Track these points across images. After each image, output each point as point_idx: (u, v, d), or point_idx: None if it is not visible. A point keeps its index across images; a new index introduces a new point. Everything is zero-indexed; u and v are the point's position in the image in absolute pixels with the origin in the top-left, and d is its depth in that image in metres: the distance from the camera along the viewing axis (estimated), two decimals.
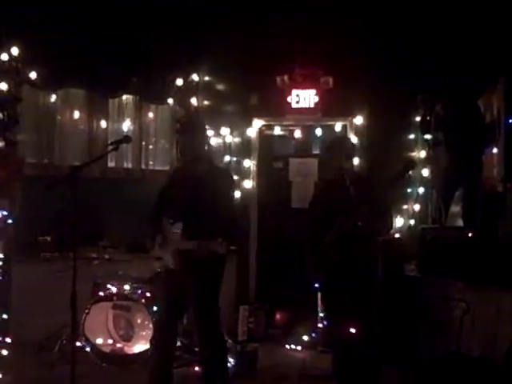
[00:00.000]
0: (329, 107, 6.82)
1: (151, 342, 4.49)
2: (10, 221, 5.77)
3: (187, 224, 4.19)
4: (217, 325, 4.38)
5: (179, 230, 4.21)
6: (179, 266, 4.23)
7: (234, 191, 4.59)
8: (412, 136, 6.66)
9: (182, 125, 4.54)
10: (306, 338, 6.22)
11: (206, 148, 4.73)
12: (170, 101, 7.01)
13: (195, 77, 7.00)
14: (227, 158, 7.00)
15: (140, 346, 5.36)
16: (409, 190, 6.55)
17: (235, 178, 6.84)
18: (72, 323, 3.75)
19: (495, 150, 6.04)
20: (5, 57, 6.28)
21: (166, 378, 4.34)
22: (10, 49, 6.29)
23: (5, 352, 5.02)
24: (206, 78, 7.05)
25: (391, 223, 5.02)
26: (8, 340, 5.20)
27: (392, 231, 5.39)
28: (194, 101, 7.00)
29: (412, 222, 6.49)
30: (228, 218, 4.20)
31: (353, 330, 4.50)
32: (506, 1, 5.90)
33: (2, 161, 5.47)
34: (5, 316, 5.44)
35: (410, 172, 5.73)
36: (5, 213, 5.53)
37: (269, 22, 6.65)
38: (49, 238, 6.47)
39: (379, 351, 4.67)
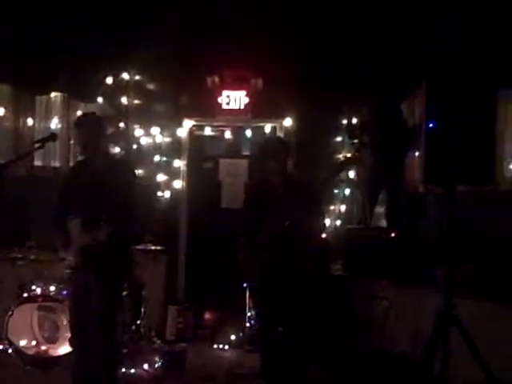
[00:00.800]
0: (259, 109, 6.89)
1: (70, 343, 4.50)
2: None
3: (85, 219, 4.10)
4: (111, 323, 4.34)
5: (78, 226, 4.13)
6: (80, 263, 4.17)
7: (132, 183, 4.44)
8: (339, 138, 6.82)
9: (78, 119, 4.55)
10: (233, 337, 6.27)
11: (104, 143, 4.63)
12: (100, 99, 6.92)
13: (125, 75, 6.93)
14: (157, 158, 6.95)
15: (65, 348, 5.26)
16: (335, 191, 6.71)
17: (165, 177, 6.88)
18: None
19: (417, 153, 6.24)
20: None
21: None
22: None
23: None
24: (137, 77, 6.99)
25: (322, 224, 5.14)
26: None
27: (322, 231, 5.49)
28: (124, 99, 6.94)
29: (338, 222, 6.65)
30: (123, 209, 4.11)
31: (280, 329, 4.58)
32: (426, 4, 6.08)
33: None
34: None
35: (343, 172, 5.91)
36: None
37: (201, 22, 6.66)
38: None
39: (306, 350, 4.77)
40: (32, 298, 5.44)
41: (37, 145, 4.11)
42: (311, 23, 6.61)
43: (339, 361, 5.13)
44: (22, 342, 5.36)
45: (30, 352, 5.38)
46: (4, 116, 6.86)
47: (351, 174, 6.69)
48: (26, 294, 5.45)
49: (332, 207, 6.65)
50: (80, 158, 4.55)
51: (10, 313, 5.31)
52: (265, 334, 4.84)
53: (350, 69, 6.46)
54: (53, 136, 4.26)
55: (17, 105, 6.95)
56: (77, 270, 4.21)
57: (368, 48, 6.40)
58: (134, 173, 4.65)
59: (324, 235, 6.30)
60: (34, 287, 5.48)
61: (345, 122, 6.77)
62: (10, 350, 5.31)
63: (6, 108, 6.86)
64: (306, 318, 4.75)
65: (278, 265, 4.60)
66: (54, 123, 7.02)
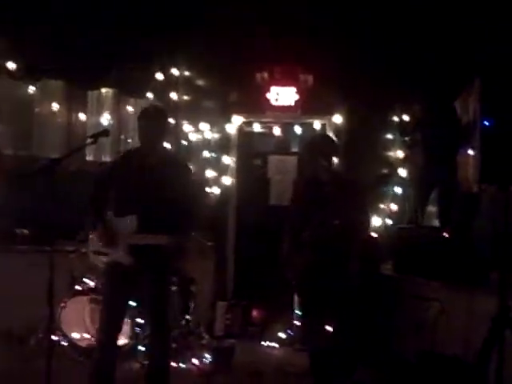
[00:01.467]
0: (308, 105, 6.87)
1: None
2: None
3: (142, 216, 3.96)
4: (168, 323, 4.32)
5: (133, 224, 3.99)
6: (134, 261, 4.02)
7: (191, 182, 4.39)
8: (390, 136, 6.73)
9: (146, 110, 4.33)
10: (282, 335, 6.27)
11: (164, 140, 4.43)
12: (150, 95, 6.96)
13: (175, 71, 6.97)
14: (206, 154, 6.98)
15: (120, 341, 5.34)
16: (386, 190, 6.62)
17: (214, 173, 6.90)
18: (49, 318, 3.76)
19: (471, 152, 6.12)
20: None
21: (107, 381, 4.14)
22: None
23: None
24: (186, 73, 7.02)
25: (369, 223, 5.07)
26: None
27: (369, 231, 5.42)
28: (173, 95, 6.97)
29: (389, 221, 6.56)
30: (186, 211, 4.04)
31: (329, 328, 4.54)
32: (479, 2, 5.97)
33: None
34: None
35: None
36: None
37: (250, 18, 6.65)
38: (26, 231, 6.43)
39: (354, 350, 4.73)
40: (84, 291, 5.53)
41: (89, 140, 4.04)
42: (362, 19, 6.54)
43: (389, 362, 5.08)
44: (75, 334, 5.45)
45: (83, 344, 5.46)
46: (57, 111, 6.95)
47: (402, 172, 6.59)
48: (78, 287, 5.55)
49: (382, 206, 6.56)
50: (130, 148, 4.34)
51: (63, 305, 5.40)
52: (312, 333, 4.80)
53: (402, 65, 6.37)
54: (105, 131, 4.20)
55: (69, 100, 7.04)
56: (124, 267, 4.06)
57: (421, 44, 6.31)
58: (190, 170, 4.58)
59: (374, 234, 6.26)
60: (86, 280, 5.59)
61: (396, 119, 6.67)
62: (63, 342, 5.40)
63: (59, 103, 6.95)
64: (353, 317, 4.70)
65: (321, 264, 4.56)
66: (105, 118, 7.08)
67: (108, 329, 4.14)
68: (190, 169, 4.59)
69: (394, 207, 6.57)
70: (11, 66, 6.49)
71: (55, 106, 6.92)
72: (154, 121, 4.15)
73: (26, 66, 6.57)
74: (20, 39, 6.32)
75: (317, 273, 4.54)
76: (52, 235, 3.75)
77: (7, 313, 5.62)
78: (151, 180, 4.04)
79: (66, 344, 5.40)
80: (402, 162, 6.61)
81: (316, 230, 4.52)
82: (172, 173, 4.10)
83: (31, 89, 6.77)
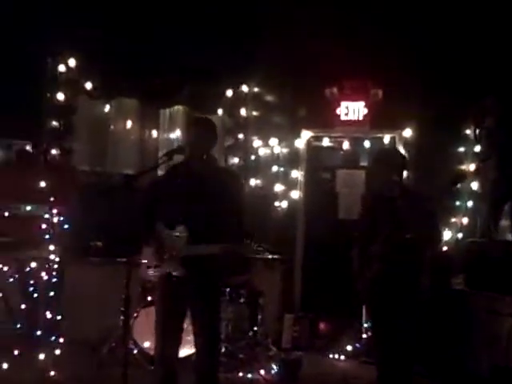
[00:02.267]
0: (377, 119, 6.84)
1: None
2: (66, 226, 5.93)
3: (193, 227, 3.89)
4: (218, 335, 4.25)
5: (183, 234, 3.92)
6: (186, 272, 3.95)
7: (241, 193, 4.37)
8: (462, 149, 6.61)
9: (194, 119, 4.29)
10: (349, 348, 6.22)
11: (211, 150, 4.24)
12: (220, 111, 7.12)
13: (245, 88, 7.10)
14: (275, 168, 7.05)
15: (185, 351, 5.41)
16: (457, 203, 6.49)
17: (282, 187, 6.96)
18: (124, 326, 3.92)
19: None
20: (62, 68, 6.54)
21: None
22: (67, 60, 6.55)
23: (58, 351, 5.15)
24: (256, 89, 7.14)
25: (440, 237, 4.97)
26: (61, 340, 5.34)
27: (441, 244, 5.31)
28: (243, 111, 7.10)
29: (460, 235, 6.42)
30: (236, 221, 4.00)
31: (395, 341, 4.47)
32: None
33: (57, 169, 5.64)
34: (59, 317, 5.60)
35: (459, 185, 5.67)
36: (62, 218, 5.70)
37: (319, 33, 6.70)
38: (99, 243, 6.64)
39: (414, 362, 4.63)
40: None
41: (165, 157, 4.00)
42: (433, 32, 6.48)
43: (461, 377, 4.95)
44: (146, 344, 5.56)
45: (153, 353, 5.56)
46: (131, 128, 7.16)
47: (474, 185, 6.45)
48: (149, 298, 5.68)
49: (453, 219, 6.43)
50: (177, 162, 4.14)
51: (136, 315, 5.53)
52: (380, 346, 4.74)
53: (474, 77, 6.26)
54: (180, 149, 4.17)
55: (142, 118, 7.23)
56: (177, 279, 3.98)
57: (493, 55, 6.19)
58: (241, 181, 4.52)
59: (445, 248, 6.14)
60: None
61: (468, 132, 6.55)
62: (135, 351, 5.52)
63: (132, 121, 7.16)
64: (420, 331, 4.61)
65: (390, 277, 4.50)
66: (177, 135, 7.23)
67: (164, 343, 4.11)
68: (239, 178, 4.55)
69: (465, 221, 6.43)
70: (88, 86, 6.76)
71: (129, 124, 7.13)
72: (202, 130, 4.11)
73: (102, 86, 6.82)
74: (97, 61, 6.59)
75: (386, 285, 4.48)
76: (126, 248, 3.81)
77: (82, 322, 5.82)
78: (200, 190, 3.97)
79: (137, 352, 5.52)
80: (474, 175, 6.47)
81: (386, 243, 4.47)
82: (221, 182, 4.05)
83: (106, 107, 7.02)
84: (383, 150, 6.21)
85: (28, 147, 6.33)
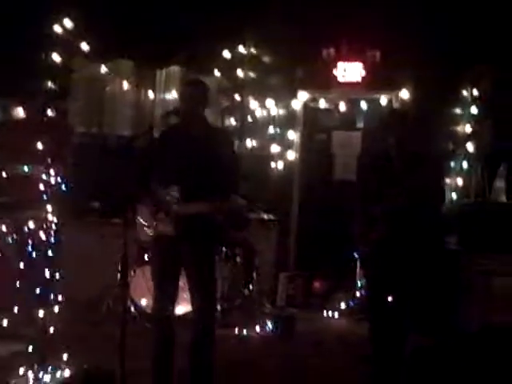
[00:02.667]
0: (374, 81, 6.82)
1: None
2: (63, 187, 5.96)
3: (185, 186, 3.89)
4: (214, 292, 4.29)
5: (175, 194, 3.91)
6: (180, 231, 3.94)
7: (233, 152, 4.28)
8: (458, 110, 6.61)
9: (186, 81, 4.24)
10: (343, 305, 6.31)
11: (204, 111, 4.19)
12: (217, 72, 7.09)
13: (242, 49, 7.06)
14: (271, 130, 7.06)
15: (182, 308, 5.49)
16: (452, 164, 6.52)
17: (279, 149, 6.97)
18: (122, 284, 3.94)
19: None
20: (58, 29, 6.49)
21: (169, 346, 4.10)
22: (62, 21, 6.49)
23: (56, 309, 5.22)
24: (253, 50, 7.10)
25: (443, 197, 4.95)
26: (60, 298, 5.40)
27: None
28: (239, 72, 7.07)
29: (454, 195, 6.46)
30: (229, 180, 4.00)
31: (390, 299, 4.53)
32: None
33: (53, 129, 5.64)
34: (57, 276, 5.65)
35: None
36: (59, 179, 5.71)
37: None
38: (96, 204, 6.69)
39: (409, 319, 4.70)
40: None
41: (161, 119, 4.10)
42: None
43: (452, 334, 5.03)
44: (143, 302, 5.65)
45: (150, 311, 5.65)
46: (127, 89, 7.14)
47: (469, 146, 6.46)
48: (145, 257, 5.74)
49: (448, 180, 6.46)
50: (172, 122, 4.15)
51: (133, 274, 5.61)
52: (374, 302, 4.80)
53: (471, 38, 6.22)
54: (176, 111, 4.11)
55: (139, 79, 7.21)
56: (171, 238, 3.97)
57: (490, 16, 6.14)
58: (233, 143, 4.51)
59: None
60: None
61: (465, 93, 6.54)
62: (132, 309, 5.61)
63: (128, 82, 7.13)
64: (418, 288, 4.67)
65: (392, 238, 4.53)
66: (173, 96, 7.17)
67: (160, 302, 4.14)
68: (231, 137, 4.57)
69: (459, 182, 6.47)
70: (84, 46, 6.71)
71: (125, 85, 7.10)
72: (195, 90, 4.09)
73: (98, 47, 6.78)
74: (93, 22, 6.53)
75: (387, 245, 4.50)
76: (122, 208, 3.85)
77: (80, 281, 5.88)
78: (192, 149, 3.97)
79: (134, 311, 5.61)
80: (470, 137, 6.48)
81: (388, 204, 4.45)
82: (213, 142, 4.04)
83: (103, 68, 6.98)
84: (387, 111, 6.19)
85: (20, 108, 6.29)
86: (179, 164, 3.95)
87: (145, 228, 4.62)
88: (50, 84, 6.54)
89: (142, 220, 4.92)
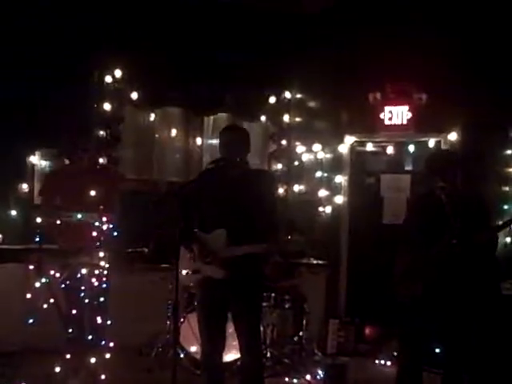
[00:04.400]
0: (422, 123, 6.79)
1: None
2: (115, 233, 6.03)
3: (231, 229, 3.93)
4: (259, 334, 4.28)
5: (223, 238, 3.94)
6: (228, 274, 3.96)
7: (274, 191, 4.36)
8: (509, 151, 6.50)
9: (225, 127, 4.33)
10: (396, 353, 6.15)
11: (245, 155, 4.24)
12: (263, 118, 7.18)
13: (287, 94, 7.15)
14: (319, 174, 7.08)
15: (231, 355, 5.47)
16: (505, 207, 6.38)
17: (327, 193, 6.96)
18: (173, 331, 3.98)
19: None
20: (109, 79, 6.69)
21: None
22: (113, 71, 6.69)
23: (108, 355, 5.26)
24: (298, 96, 7.18)
25: (497, 240, 4.82)
26: (111, 344, 5.44)
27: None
28: (286, 118, 7.14)
29: (508, 239, 6.31)
30: (272, 220, 4.01)
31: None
32: None
33: (104, 177, 5.75)
34: (108, 322, 5.70)
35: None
36: (111, 226, 5.79)
37: (360, 37, 6.70)
38: (145, 250, 6.75)
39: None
40: None
41: (210, 166, 4.06)
42: (478, 35, 6.41)
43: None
44: (192, 348, 5.63)
45: (199, 357, 5.63)
46: (175, 136, 7.27)
47: None
48: (196, 303, 5.74)
49: (501, 223, 6.31)
50: (209, 166, 4.14)
51: (182, 320, 5.62)
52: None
53: None
54: (221, 158, 4.10)
55: (187, 126, 7.33)
56: (218, 282, 4.01)
57: None
58: (272, 182, 4.51)
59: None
60: None
61: None
62: (181, 355, 5.60)
63: (177, 129, 7.27)
64: (471, 337, 4.53)
65: (444, 282, 4.42)
66: None
67: (209, 348, 4.17)
68: (271, 176, 4.64)
69: None
70: (134, 95, 6.89)
71: (173, 132, 7.24)
72: (232, 135, 4.18)
73: (147, 96, 6.95)
74: (142, 70, 6.71)
75: (438, 289, 4.39)
76: (170, 254, 3.89)
77: (129, 328, 5.92)
78: (234, 191, 4.02)
79: (183, 357, 5.59)
80: None
81: (446, 247, 4.34)
82: (254, 182, 4.08)
83: (152, 116, 7.14)
84: (435, 152, 6.12)
85: (66, 160, 6.42)
86: (223, 207, 4.00)
87: (185, 274, 4.64)
88: (101, 132, 6.72)
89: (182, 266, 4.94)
